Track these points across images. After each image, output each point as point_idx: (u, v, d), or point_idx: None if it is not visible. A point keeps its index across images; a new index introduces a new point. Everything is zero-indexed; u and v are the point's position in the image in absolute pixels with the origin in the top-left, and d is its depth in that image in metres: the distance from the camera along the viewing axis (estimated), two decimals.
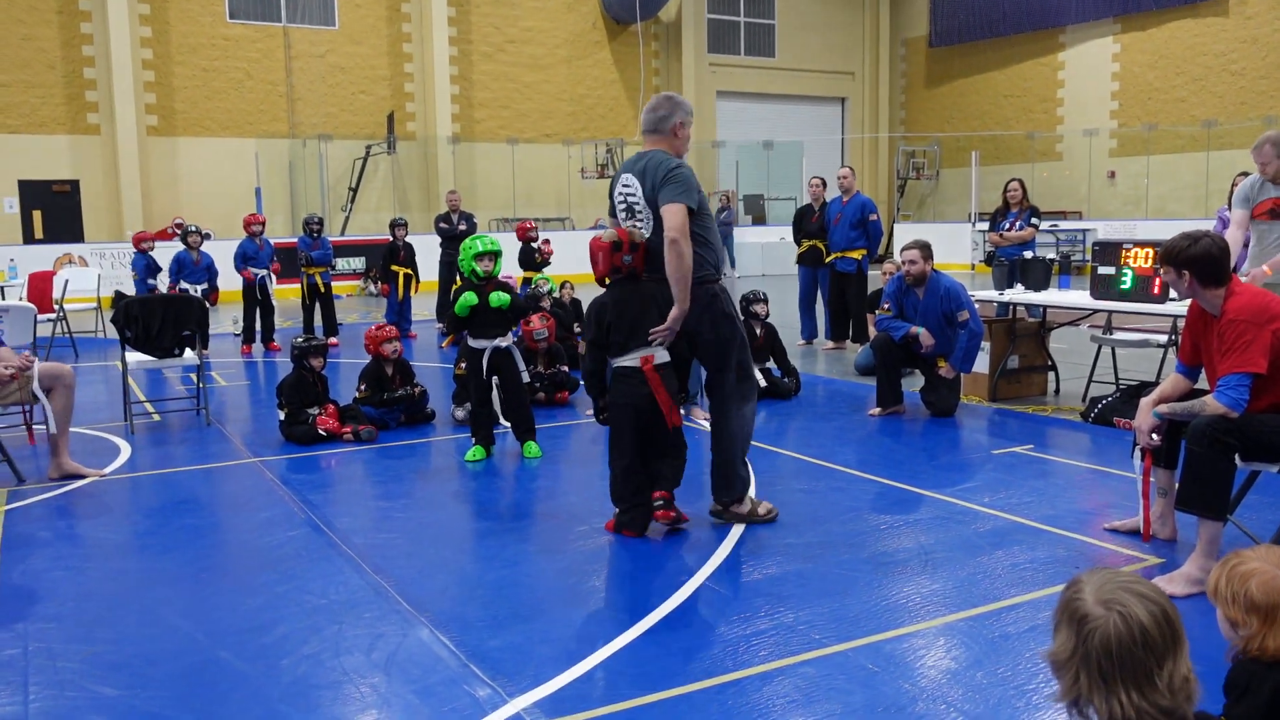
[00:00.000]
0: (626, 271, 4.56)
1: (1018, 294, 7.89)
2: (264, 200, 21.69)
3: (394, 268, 12.79)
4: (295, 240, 13.24)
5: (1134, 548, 4.43)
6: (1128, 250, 6.85)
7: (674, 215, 4.39)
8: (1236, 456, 4.03)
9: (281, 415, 6.87)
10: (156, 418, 7.83)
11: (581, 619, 3.79)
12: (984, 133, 27.80)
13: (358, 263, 20.45)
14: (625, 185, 4.66)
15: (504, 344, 6.18)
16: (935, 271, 7.27)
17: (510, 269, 11.50)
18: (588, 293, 5.41)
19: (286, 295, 16.03)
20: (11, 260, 15.51)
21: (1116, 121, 25.46)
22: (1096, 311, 7.48)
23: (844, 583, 4.06)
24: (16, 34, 20.25)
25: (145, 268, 11.86)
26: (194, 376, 7.97)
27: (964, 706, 3.03)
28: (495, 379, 6.27)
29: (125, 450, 6.67)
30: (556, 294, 9.82)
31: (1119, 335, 7.81)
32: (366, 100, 23.81)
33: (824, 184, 11.37)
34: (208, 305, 8.19)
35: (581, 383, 8.29)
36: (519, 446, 6.34)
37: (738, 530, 4.73)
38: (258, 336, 11.83)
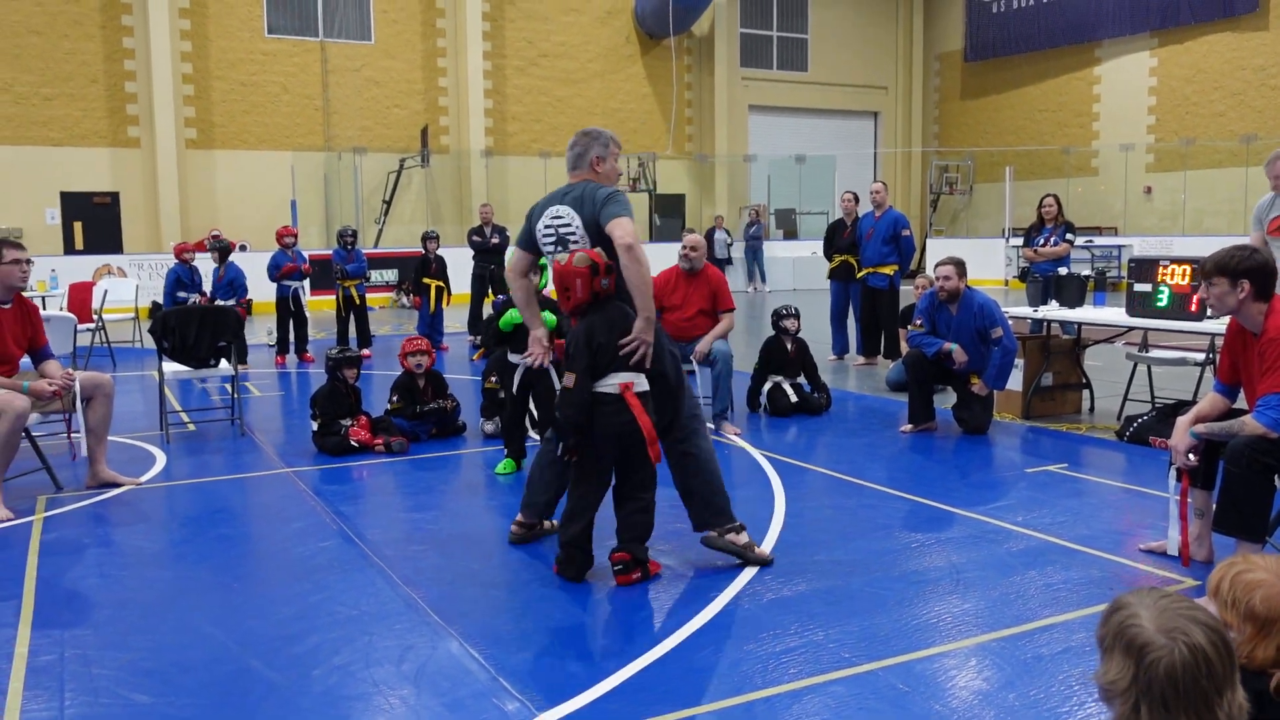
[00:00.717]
0: (604, 295, 4.31)
1: (1052, 310, 7.82)
2: (299, 213, 21.93)
3: (426, 280, 12.88)
4: (330, 252, 13.36)
5: (1169, 569, 4.37)
6: (1164, 267, 6.78)
7: (622, 225, 4.26)
8: (1276, 478, 3.98)
9: (315, 426, 6.93)
10: (192, 427, 7.92)
11: (611, 634, 3.79)
12: (1018, 147, 27.62)
13: (391, 275, 20.62)
14: (556, 216, 4.45)
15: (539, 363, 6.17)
16: (969, 288, 7.23)
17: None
18: None
19: (321, 307, 16.19)
20: (53, 270, 15.78)
21: (1153, 136, 25.22)
22: (1132, 329, 7.40)
23: (874, 601, 4.04)
24: (61, 48, 20.65)
25: (174, 280, 11.97)
26: (229, 387, 8.07)
27: None
28: (529, 394, 6.28)
29: (161, 459, 6.76)
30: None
31: (1155, 353, 7.73)
32: (401, 114, 24.04)
33: (856, 199, 11.33)
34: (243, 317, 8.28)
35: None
36: None
37: (766, 547, 4.69)
38: (291, 347, 11.95)
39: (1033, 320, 7.98)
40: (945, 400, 7.76)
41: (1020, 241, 10.95)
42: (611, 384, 4.23)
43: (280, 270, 11.86)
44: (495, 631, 3.80)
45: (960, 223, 29.57)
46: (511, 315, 6.07)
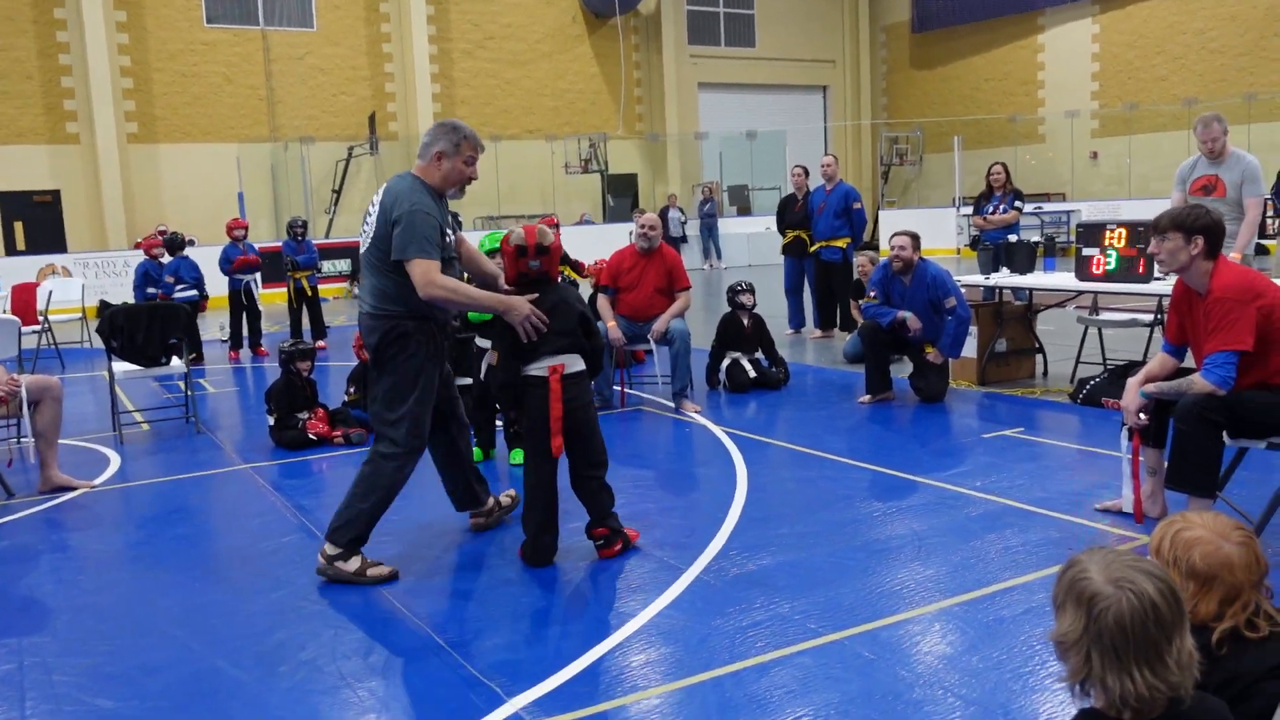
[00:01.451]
0: (535, 276, 4.26)
1: (1003, 277, 7.91)
2: (247, 205, 21.60)
3: None
4: (280, 244, 13.18)
5: (1125, 527, 4.45)
6: (1111, 231, 6.88)
7: (415, 274, 4.01)
8: (1224, 434, 4.06)
9: (271, 420, 6.85)
10: (146, 427, 7.80)
11: (577, 617, 3.79)
12: (966, 117, 27.86)
13: (344, 265, 20.40)
14: (375, 196, 4.27)
15: None
16: (922, 259, 7.30)
17: None
18: (581, 290, 5.39)
19: (273, 299, 15.98)
20: None
21: (1097, 102, 25.54)
22: (1082, 293, 7.51)
23: (838, 571, 4.08)
24: None
25: (143, 276, 11.73)
26: (182, 384, 7.95)
27: (961, 691, 3.05)
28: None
29: (115, 461, 6.65)
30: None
31: (1105, 316, 7.85)
32: (347, 101, 23.74)
33: (806, 173, 11.37)
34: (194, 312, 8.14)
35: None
36: (507, 451, 6.30)
37: (730, 523, 4.73)
38: (245, 342, 11.79)
39: (985, 288, 8.07)
40: (902, 370, 7.84)
41: (970, 210, 11.05)
42: (541, 367, 4.21)
43: (233, 263, 11.68)
44: (462, 619, 3.80)
45: (911, 193, 29.79)
46: None
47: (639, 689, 3.15)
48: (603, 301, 7.56)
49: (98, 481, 6.08)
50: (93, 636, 3.77)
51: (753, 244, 23.91)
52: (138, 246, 12.04)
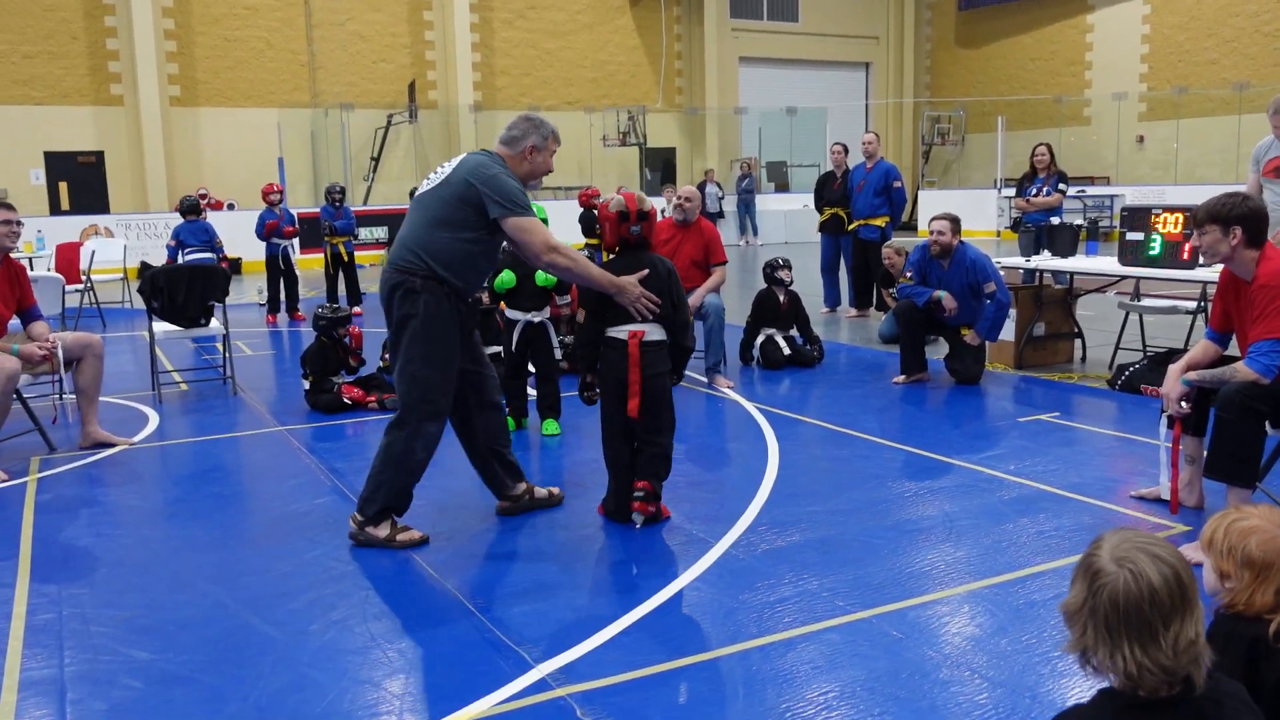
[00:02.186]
0: (635, 241, 4.39)
1: (1044, 260, 7.81)
2: (286, 170, 21.72)
3: None
4: (318, 210, 13.25)
5: (1160, 515, 4.40)
6: (1157, 215, 6.76)
7: (529, 231, 4.06)
8: (1267, 423, 4.00)
9: (306, 384, 6.92)
10: (184, 387, 7.90)
11: (605, 587, 3.81)
12: (1010, 97, 27.43)
13: (380, 232, 20.50)
14: (448, 161, 4.32)
15: (538, 319, 6.12)
16: (962, 242, 7.20)
17: (573, 235, 11.58)
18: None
19: (310, 265, 16.09)
20: (39, 232, 15.62)
21: (1146, 85, 25.06)
22: (1124, 278, 7.40)
23: (868, 550, 4.06)
24: (40, 5, 20.32)
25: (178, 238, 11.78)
26: (220, 346, 8.04)
27: (988, 673, 3.04)
28: (528, 351, 6.23)
29: (154, 419, 6.74)
30: None
31: (1147, 302, 7.73)
32: (388, 69, 23.76)
33: (846, 150, 11.27)
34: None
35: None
36: (540, 421, 6.32)
37: (760, 498, 4.73)
38: (282, 306, 11.89)
39: (1025, 270, 7.97)
40: (938, 351, 7.78)
41: (1013, 192, 10.91)
42: (622, 330, 4.28)
43: (265, 227, 11.73)
44: (491, 585, 3.82)
45: (952, 173, 29.44)
46: (504, 276, 6.03)
47: (665, 660, 3.16)
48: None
49: (136, 439, 6.18)
50: (130, 589, 3.84)
51: (790, 221, 23.76)
52: (177, 209, 12.08)
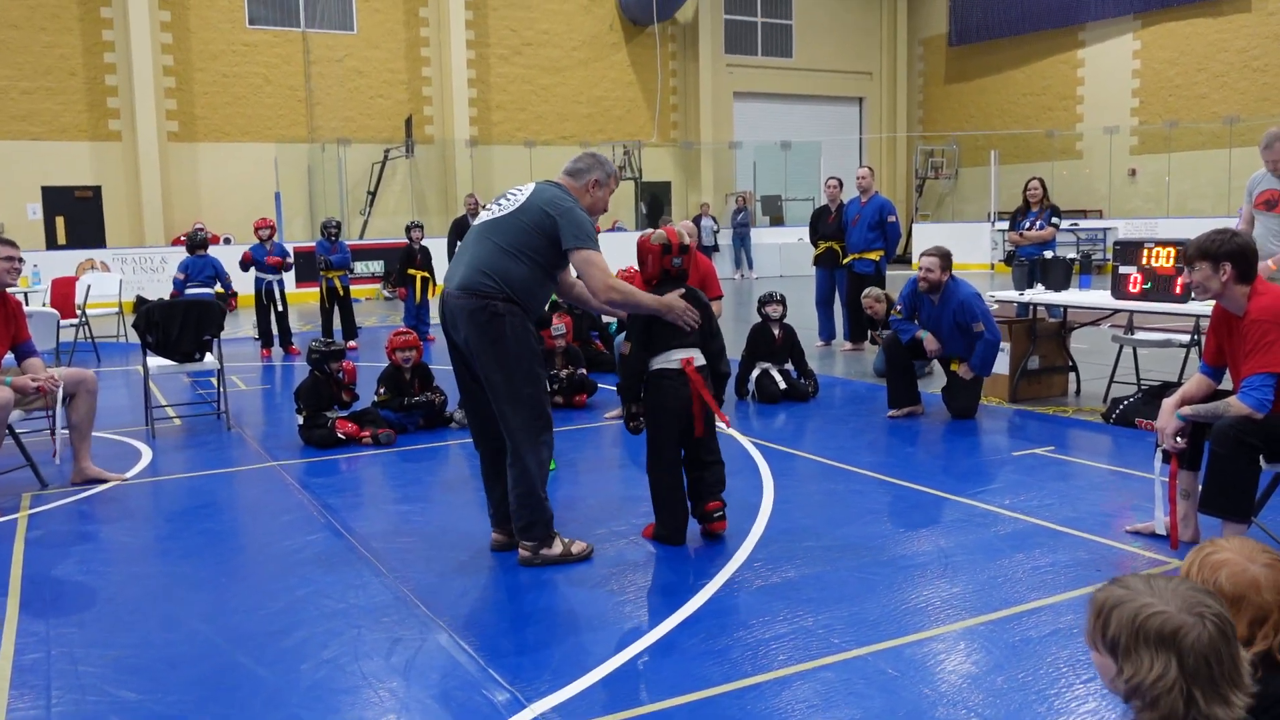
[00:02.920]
0: (675, 274, 4.56)
1: (1038, 294, 7.83)
2: (283, 204, 21.81)
3: (411, 271, 12.84)
4: (314, 244, 13.29)
5: (1157, 550, 4.39)
6: (1149, 249, 6.80)
7: (596, 275, 4.19)
8: (1261, 458, 3.99)
9: (300, 419, 6.90)
10: (178, 422, 7.88)
11: (599, 624, 3.78)
12: (1003, 131, 27.65)
13: (376, 266, 20.54)
14: (520, 186, 4.43)
15: None
16: (953, 279, 7.21)
17: None
18: None
19: (305, 299, 16.11)
20: (35, 266, 15.64)
21: (1137, 119, 25.27)
22: (1118, 311, 7.43)
23: (863, 586, 4.04)
24: (39, 41, 20.46)
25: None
26: (214, 381, 8.02)
27: (984, 712, 3.01)
28: None
29: (147, 454, 6.72)
30: None
31: (1140, 335, 7.76)
32: (384, 104, 23.92)
33: (840, 185, 11.33)
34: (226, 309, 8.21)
35: (599, 386, 8.33)
36: None
37: (755, 534, 4.71)
38: (275, 340, 11.88)
39: (1019, 304, 7.99)
40: (933, 385, 7.78)
41: (1006, 225, 10.96)
42: (674, 359, 4.44)
43: (242, 257, 11.72)
44: (484, 622, 3.80)
45: (946, 207, 29.61)
46: None
47: (659, 699, 3.14)
48: None
49: (129, 475, 6.15)
50: (119, 628, 3.81)
51: (785, 254, 23.84)
52: (176, 243, 12.15)
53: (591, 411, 7.86)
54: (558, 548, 4.39)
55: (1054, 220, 9.98)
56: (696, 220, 22.80)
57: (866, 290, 9.18)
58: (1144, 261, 6.79)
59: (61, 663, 3.50)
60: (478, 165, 24.25)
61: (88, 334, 11.97)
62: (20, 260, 5.84)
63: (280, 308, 11.76)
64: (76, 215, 21.17)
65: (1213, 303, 4.34)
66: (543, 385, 4.33)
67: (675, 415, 4.49)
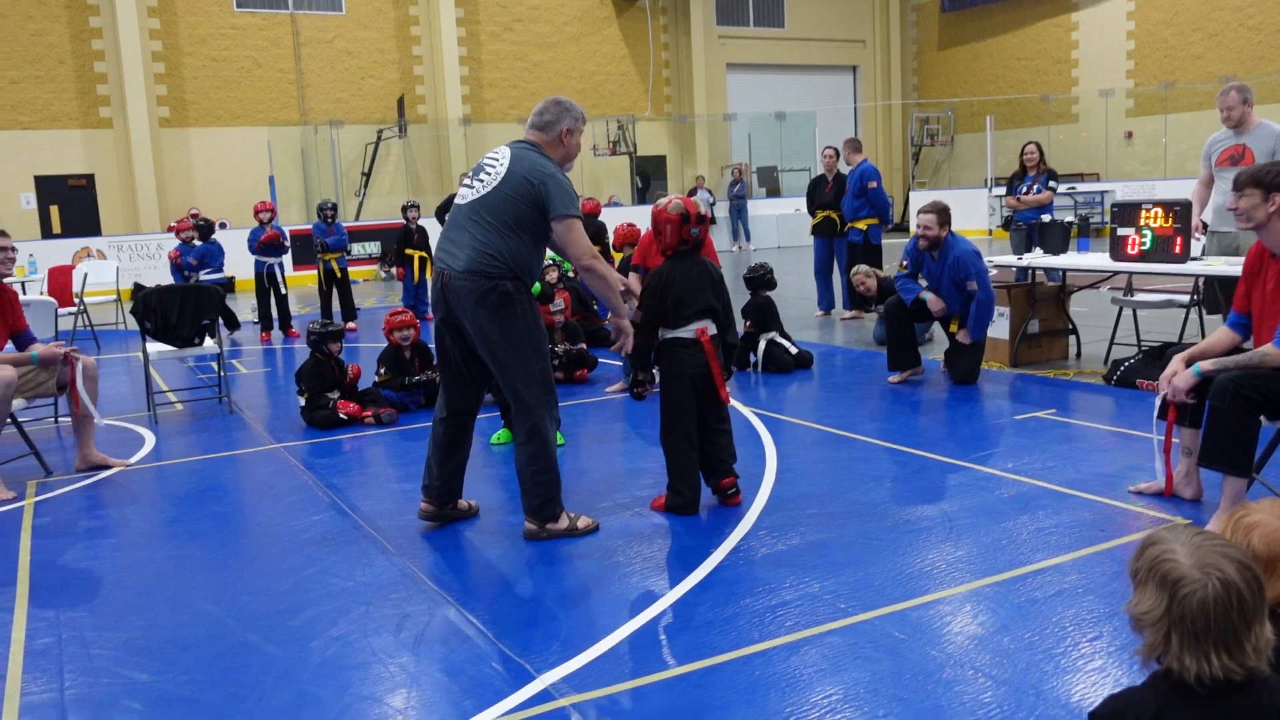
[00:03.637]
0: (693, 243, 4.58)
1: (1037, 258, 7.82)
2: (278, 188, 21.74)
3: (408, 251, 12.82)
4: (310, 227, 13.26)
5: (1160, 509, 4.40)
6: (1147, 210, 6.78)
7: (578, 239, 4.19)
8: (1263, 416, 3.99)
9: (302, 401, 6.90)
10: (180, 407, 7.88)
11: (605, 595, 3.80)
12: (998, 97, 27.52)
13: (373, 247, 20.49)
14: (493, 154, 4.35)
15: None
16: (952, 235, 7.15)
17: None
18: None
19: (304, 281, 16.08)
20: (31, 256, 15.60)
21: (1133, 81, 25.15)
22: (1117, 273, 7.42)
23: (868, 552, 4.06)
24: (26, 30, 20.31)
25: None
26: (215, 365, 8.02)
27: (992, 671, 3.03)
28: None
29: (150, 440, 6.73)
30: (570, 273, 9.81)
31: (1140, 297, 7.75)
32: (376, 85, 23.79)
33: (837, 154, 11.30)
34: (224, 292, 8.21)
35: (599, 361, 8.32)
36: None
37: (759, 503, 4.73)
38: (275, 323, 11.89)
39: (1018, 268, 7.98)
40: (933, 351, 7.78)
41: (1003, 191, 10.93)
42: (689, 330, 4.50)
43: (260, 240, 11.76)
44: (492, 596, 3.81)
45: (943, 174, 29.51)
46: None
47: (668, 667, 3.16)
48: (632, 279, 7.54)
49: (133, 460, 6.16)
50: (129, 611, 3.83)
51: (783, 225, 23.80)
52: (170, 230, 12.16)
53: (592, 386, 7.86)
54: (564, 522, 4.41)
55: (1051, 184, 9.95)
56: (692, 193, 22.74)
57: (855, 268, 9.12)
58: (1142, 223, 6.78)
59: (73, 646, 3.52)
60: (471, 143, 24.15)
61: (86, 322, 11.95)
62: (14, 250, 5.83)
63: (281, 291, 11.78)
64: (70, 204, 21.10)
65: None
66: (549, 361, 4.37)
67: (690, 383, 4.53)
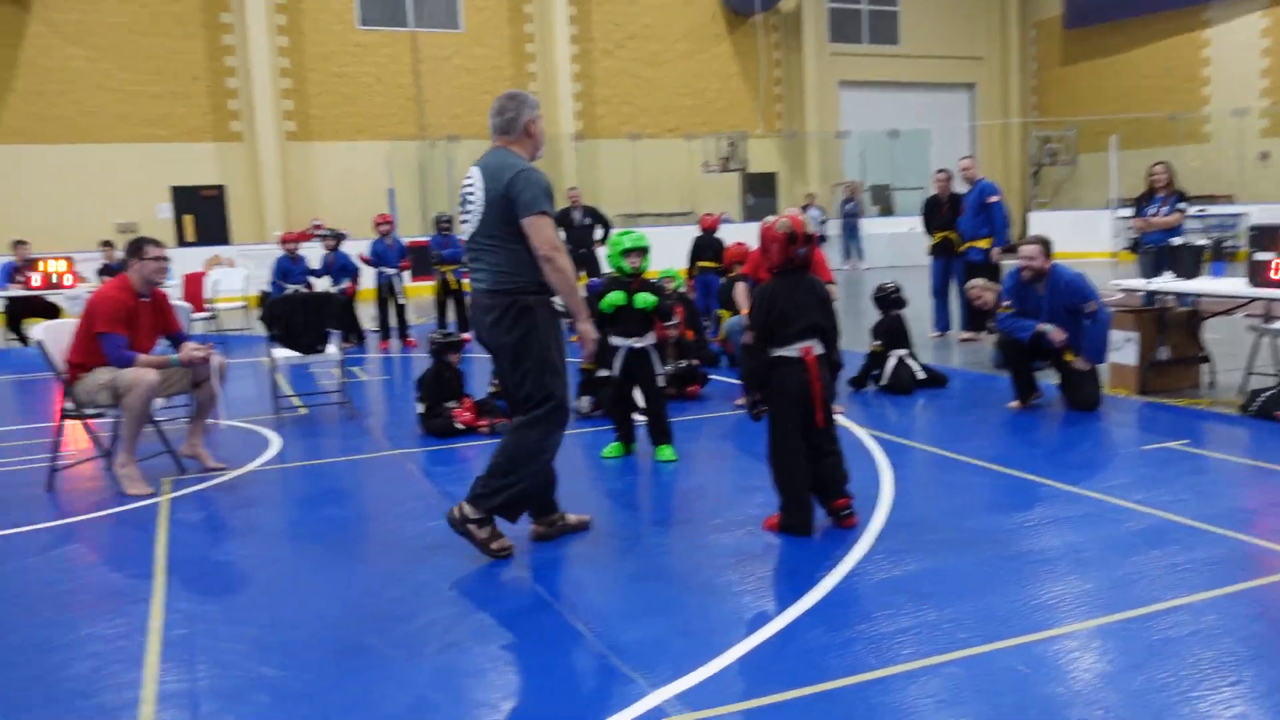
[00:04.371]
0: (800, 263, 4.55)
1: (1168, 282, 7.53)
2: (396, 201, 22.33)
3: None
4: (427, 239, 13.58)
5: None
6: None
7: (542, 232, 4.16)
8: None
9: (420, 409, 7.06)
10: (303, 411, 8.14)
11: (720, 613, 3.77)
12: (1123, 115, 26.61)
13: None
14: (467, 178, 4.41)
15: (640, 345, 6.08)
16: (1054, 264, 7.01)
17: (679, 262, 11.63)
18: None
19: (421, 292, 16.47)
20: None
21: (1268, 100, 24.05)
22: (1254, 300, 7.08)
23: (988, 581, 3.95)
24: (166, 48, 21.35)
25: (278, 272, 12.37)
26: (336, 371, 8.27)
27: (1122, 713, 2.91)
28: (632, 376, 6.21)
29: (276, 442, 6.96)
30: (681, 289, 9.81)
31: None
32: (491, 100, 24.18)
33: (950, 176, 11.12)
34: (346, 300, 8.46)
35: (710, 378, 8.31)
36: (652, 447, 6.29)
37: (875, 526, 4.64)
38: (394, 333, 12.22)
39: (1145, 293, 7.69)
40: (1050, 378, 7.54)
41: (1128, 212, 10.56)
42: (793, 349, 4.48)
43: (400, 265, 12.24)
44: (606, 609, 3.83)
45: (1064, 194, 28.65)
46: (613, 297, 6.03)
47: (781, 689, 3.11)
48: (741, 291, 7.55)
49: (256, 463, 6.37)
50: (255, 607, 3.96)
51: (895, 244, 23.40)
52: (288, 239, 12.62)
53: (704, 403, 7.84)
54: (484, 532, 4.32)
55: (1181, 205, 9.57)
56: (803, 210, 22.54)
57: (970, 282, 8.92)
58: None
59: (205, 639, 3.65)
60: (583, 159, 24.43)
61: (216, 327, 12.45)
62: (167, 260, 6.14)
63: (399, 301, 12.13)
64: (203, 213, 22.06)
65: None
66: (565, 380, 4.36)
67: (795, 402, 4.49)
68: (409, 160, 23.44)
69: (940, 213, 10.95)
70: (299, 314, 7.62)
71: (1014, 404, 7.14)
